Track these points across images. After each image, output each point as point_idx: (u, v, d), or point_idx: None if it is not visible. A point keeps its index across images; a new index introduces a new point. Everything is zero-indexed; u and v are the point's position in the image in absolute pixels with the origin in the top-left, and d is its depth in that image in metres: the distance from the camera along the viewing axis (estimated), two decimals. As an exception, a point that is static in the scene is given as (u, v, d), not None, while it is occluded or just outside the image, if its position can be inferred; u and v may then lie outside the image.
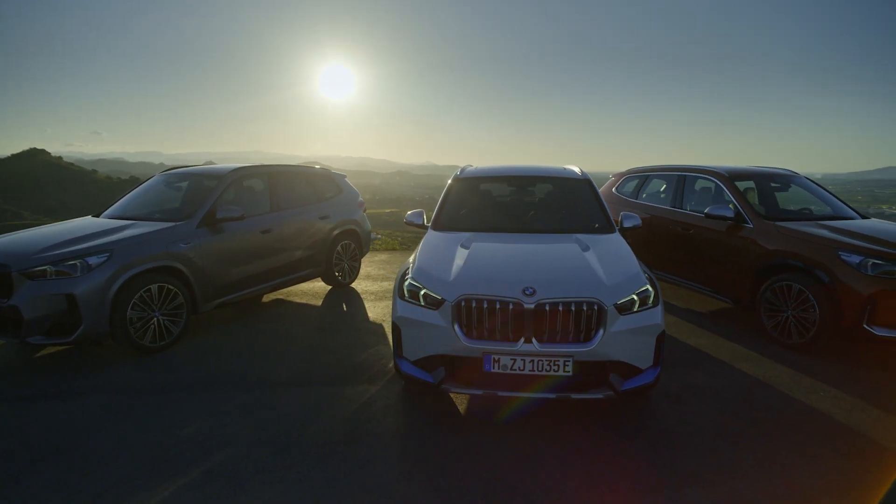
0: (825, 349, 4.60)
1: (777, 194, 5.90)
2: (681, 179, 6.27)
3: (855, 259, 4.28)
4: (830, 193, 5.92)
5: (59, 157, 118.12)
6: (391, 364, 4.34)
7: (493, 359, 3.09)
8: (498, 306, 3.09)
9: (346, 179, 7.36)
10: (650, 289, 3.30)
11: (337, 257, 6.73)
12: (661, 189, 6.84)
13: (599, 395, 3.09)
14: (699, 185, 6.17)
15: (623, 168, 8.31)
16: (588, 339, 3.07)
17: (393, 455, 3.02)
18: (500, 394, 3.14)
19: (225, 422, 3.38)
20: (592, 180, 4.92)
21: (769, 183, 5.88)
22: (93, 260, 4.20)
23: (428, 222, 4.66)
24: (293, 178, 6.35)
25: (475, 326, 3.14)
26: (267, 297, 6.41)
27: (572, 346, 3.05)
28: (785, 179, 5.94)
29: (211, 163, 7.18)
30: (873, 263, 4.21)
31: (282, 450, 3.06)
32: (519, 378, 3.11)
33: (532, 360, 3.05)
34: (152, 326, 4.49)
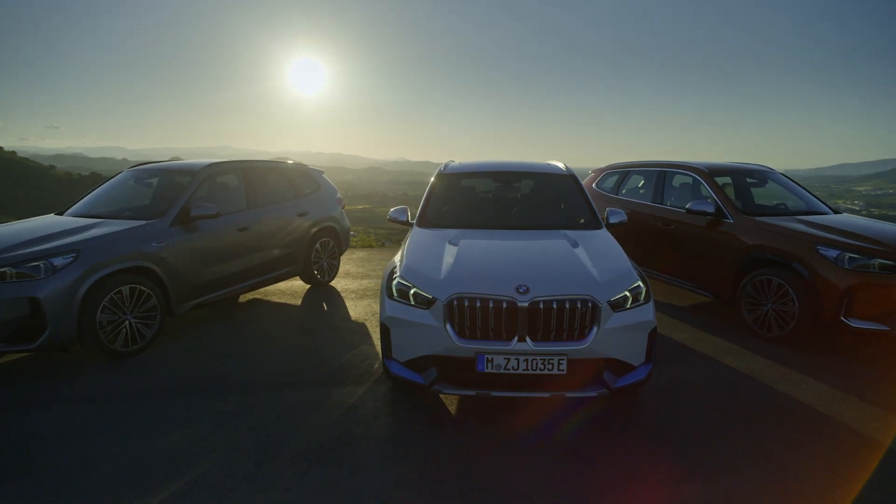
0: (804, 341, 4.69)
1: (753, 189, 6.01)
2: (661, 175, 6.33)
3: (833, 253, 4.38)
4: (803, 188, 6.06)
5: (13, 152, 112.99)
6: (377, 365, 4.24)
7: (487, 358, 3.03)
8: (491, 305, 3.02)
9: (323, 175, 7.19)
10: (642, 285, 3.29)
11: (316, 255, 6.57)
12: (640, 185, 6.90)
13: (593, 394, 3.06)
14: (679, 180, 6.24)
15: (600, 164, 8.35)
16: (582, 336, 3.03)
17: (386, 459, 2.93)
18: (494, 394, 3.08)
19: (206, 429, 3.23)
20: (577, 176, 4.90)
21: (746, 178, 5.99)
22: (58, 261, 3.96)
23: (412, 219, 4.56)
24: (270, 174, 6.16)
25: (468, 326, 3.07)
26: (244, 297, 6.20)
27: (566, 344, 3.01)
28: (761, 175, 6.06)
29: (177, 158, 6.91)
30: (850, 257, 4.31)
31: (269, 457, 2.94)
32: (513, 378, 3.06)
33: (526, 360, 3.00)
34: (124, 330, 4.27)
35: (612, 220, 4.42)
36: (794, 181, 6.14)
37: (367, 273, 7.71)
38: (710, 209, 5.31)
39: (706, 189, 5.64)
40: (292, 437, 3.15)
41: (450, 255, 3.51)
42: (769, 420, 3.41)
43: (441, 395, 3.63)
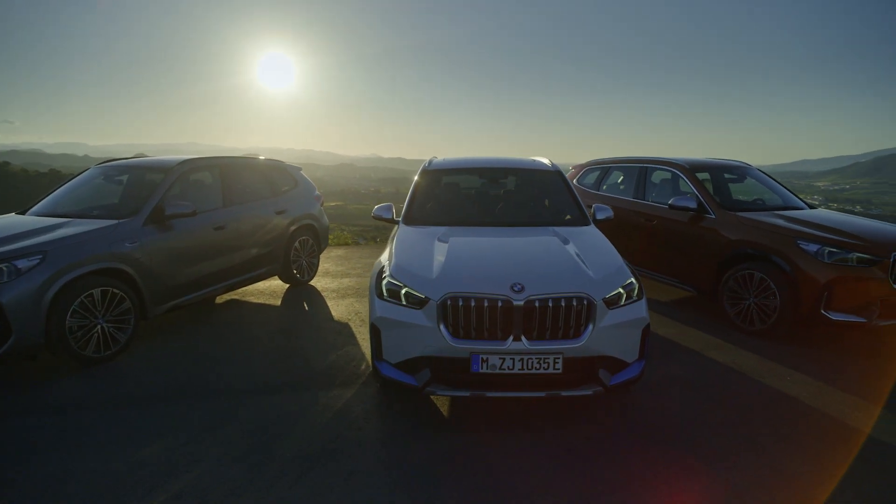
0: (785, 334, 4.79)
1: (731, 185, 6.10)
2: (642, 171, 6.38)
3: (813, 248, 4.47)
4: (779, 184, 6.19)
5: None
6: (364, 366, 4.14)
7: (482, 359, 2.97)
8: (486, 304, 2.96)
9: (301, 172, 7.01)
10: (635, 282, 3.28)
11: (295, 254, 6.40)
12: (619, 181, 6.94)
13: (589, 392, 3.03)
14: (660, 176, 6.30)
15: (574, 161, 8.39)
16: (577, 335, 3.00)
17: (380, 464, 2.84)
18: (489, 395, 3.02)
19: (188, 438, 3.08)
20: (563, 172, 4.88)
21: (724, 174, 6.07)
22: (22, 263, 3.73)
23: (397, 216, 4.47)
24: (246, 171, 5.96)
25: (462, 326, 3.00)
26: (221, 299, 6.00)
27: (562, 342, 2.98)
28: (740, 171, 6.16)
29: (142, 155, 6.64)
30: (829, 251, 4.41)
31: (257, 466, 2.82)
32: (508, 378, 3.01)
33: (521, 359, 2.96)
34: (96, 335, 4.06)
35: (599, 216, 4.41)
36: (770, 177, 6.26)
37: (346, 272, 7.57)
38: (693, 205, 5.36)
39: (687, 185, 5.70)
40: (281, 444, 3.03)
41: (440, 253, 3.44)
42: (759, 413, 3.45)
43: (432, 397, 3.56)
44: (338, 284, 6.76)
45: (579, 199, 4.55)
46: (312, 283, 6.80)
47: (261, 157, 6.46)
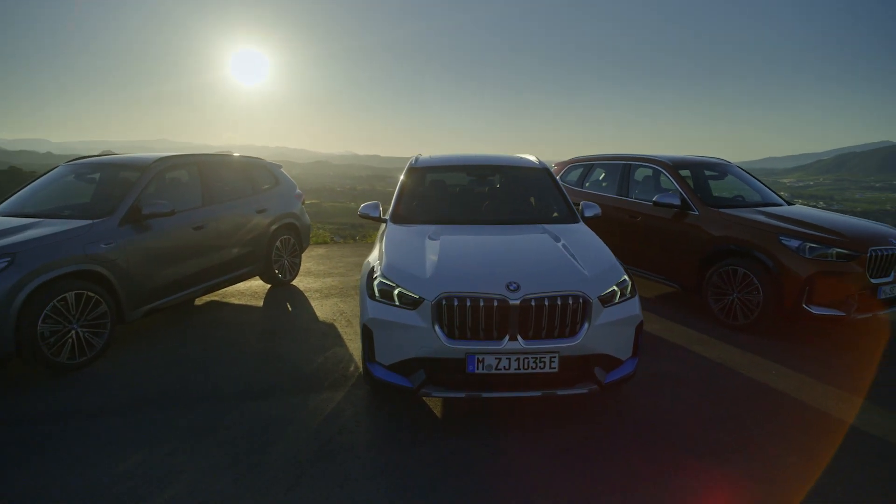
0: (768, 329, 4.88)
1: (712, 182, 6.19)
2: (625, 168, 6.42)
3: (794, 243, 4.56)
4: (758, 180, 6.30)
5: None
6: (353, 368, 4.06)
7: (477, 359, 2.93)
8: (482, 304, 2.92)
9: (281, 170, 6.86)
10: (628, 279, 3.28)
11: (276, 253, 6.26)
12: (601, 178, 6.98)
13: (584, 390, 3.02)
14: (643, 173, 6.35)
15: (548, 159, 8.40)
16: (573, 333, 2.98)
17: (376, 468, 2.78)
18: (485, 395, 2.99)
19: (173, 447, 2.96)
20: (551, 169, 4.87)
21: (706, 171, 6.15)
22: (-11, 266, 3.54)
23: (384, 215, 4.39)
24: (225, 169, 5.80)
25: (457, 326, 2.95)
26: (200, 301, 5.82)
27: (558, 341, 2.95)
28: (721, 168, 6.25)
29: (110, 152, 6.40)
30: (810, 247, 4.50)
31: (247, 474, 2.72)
32: (504, 378, 2.98)
33: (518, 359, 2.92)
34: (70, 341, 3.88)
35: (588, 213, 4.41)
36: (749, 173, 6.38)
37: (329, 271, 7.45)
38: (676, 202, 5.42)
39: (671, 182, 5.76)
40: (271, 450, 2.94)
41: (432, 252, 3.38)
42: (747, 407, 3.50)
43: (424, 399, 3.51)
44: (321, 284, 6.64)
45: (568, 196, 4.55)
46: (294, 282, 6.67)
47: (236, 154, 6.29)
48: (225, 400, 3.52)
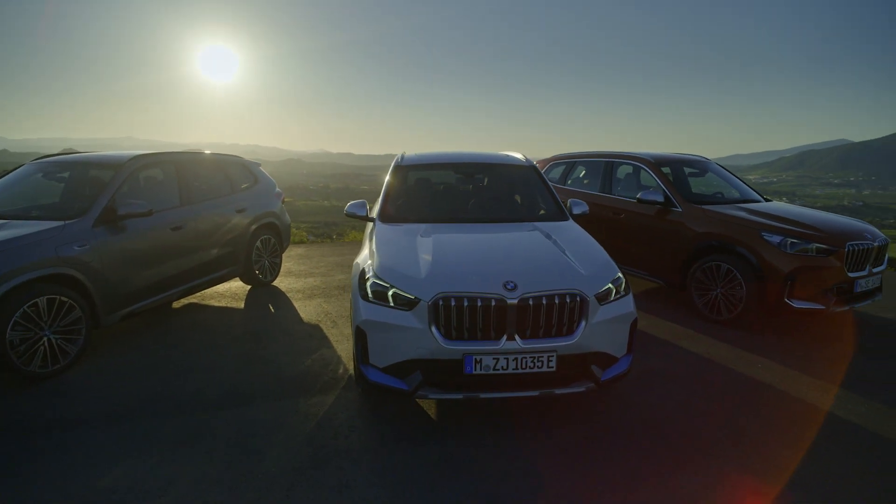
0: (750, 323, 4.97)
1: (693, 179, 6.28)
2: (608, 165, 6.46)
3: (776, 239, 4.66)
4: (737, 177, 6.43)
5: None
6: (342, 370, 3.97)
7: (475, 360, 2.88)
8: (479, 304, 2.87)
9: (260, 167, 6.69)
10: (622, 276, 3.28)
11: (256, 254, 6.10)
12: (582, 175, 7.02)
13: (582, 389, 3.01)
14: (625, 170, 6.40)
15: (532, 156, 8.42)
16: (571, 331, 2.97)
17: (372, 473, 2.71)
18: (483, 396, 2.95)
19: (160, 458, 2.83)
20: (538, 167, 4.86)
21: (687, 168, 6.24)
22: (-47, 271, 3.33)
23: (371, 213, 4.31)
24: (203, 167, 5.61)
25: (454, 326, 2.90)
26: (178, 303, 5.62)
27: (556, 340, 2.93)
28: (701, 165, 6.35)
29: (71, 150, 6.14)
30: (791, 242, 4.60)
31: (239, 484, 2.62)
32: (501, 378, 2.94)
33: (515, 359, 2.89)
34: (42, 348, 3.69)
35: (576, 210, 4.41)
36: (728, 170, 6.50)
37: (310, 271, 7.31)
38: (660, 198, 5.47)
39: (653, 179, 5.82)
40: (263, 458, 2.84)
41: (425, 251, 3.32)
42: (737, 400, 3.55)
43: (418, 401, 3.45)
44: (302, 284, 6.51)
45: (556, 194, 4.54)
46: (275, 283, 6.51)
47: (211, 152, 6.10)
48: (211, 406, 3.40)
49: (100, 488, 2.58)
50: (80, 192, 4.70)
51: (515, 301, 2.87)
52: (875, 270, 4.82)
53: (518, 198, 4.66)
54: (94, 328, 4.11)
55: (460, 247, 3.49)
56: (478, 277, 2.99)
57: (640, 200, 5.59)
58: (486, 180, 4.91)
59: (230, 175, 5.94)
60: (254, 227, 6.00)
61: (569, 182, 7.06)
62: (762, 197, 6.04)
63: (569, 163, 7.18)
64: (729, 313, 4.90)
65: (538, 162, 7.78)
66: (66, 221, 4.02)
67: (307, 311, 5.43)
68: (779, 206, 5.62)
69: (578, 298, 2.96)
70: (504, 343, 2.89)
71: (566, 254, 3.34)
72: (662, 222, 5.54)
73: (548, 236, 3.66)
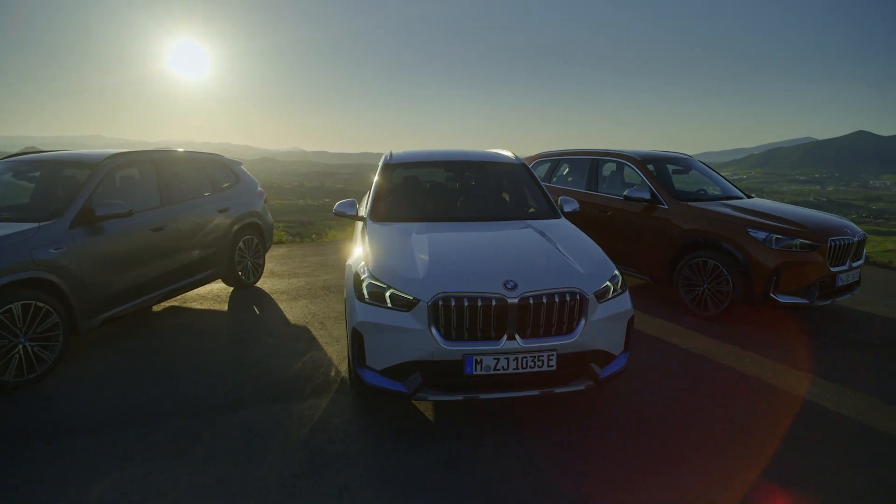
0: (736, 318, 5.06)
1: (677, 176, 6.35)
2: (593, 163, 6.50)
3: (761, 235, 4.74)
4: (718, 174, 6.53)
5: None
6: (334, 372, 3.89)
7: (475, 360, 2.85)
8: (480, 303, 2.83)
9: (241, 166, 6.53)
10: (618, 274, 3.28)
11: (239, 254, 5.95)
12: (565, 172, 7.05)
13: (581, 387, 3.01)
14: (612, 168, 6.44)
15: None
16: (570, 330, 2.95)
17: (372, 477, 2.65)
18: (483, 397, 2.91)
19: (150, 467, 2.72)
20: (528, 165, 4.84)
21: (671, 166, 6.31)
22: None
23: (360, 213, 4.24)
24: (184, 166, 5.45)
25: (454, 327, 2.86)
26: (158, 306, 5.44)
27: (555, 339, 2.92)
28: (685, 163, 6.43)
29: (33, 149, 5.88)
30: (776, 238, 4.69)
31: (235, 493, 2.53)
32: (501, 378, 2.91)
33: (516, 358, 2.87)
34: (16, 356, 3.52)
35: (567, 208, 4.41)
36: (710, 168, 6.60)
37: (293, 271, 7.18)
38: (647, 196, 5.52)
39: (639, 176, 5.87)
40: (259, 465, 2.75)
41: (421, 251, 3.27)
42: (729, 394, 3.60)
43: (414, 402, 3.40)
44: (286, 285, 6.38)
45: (547, 191, 4.53)
46: (258, 284, 6.37)
47: (180, 150, 5.89)
48: (200, 413, 3.29)
49: (91, 499, 2.47)
50: (53, 193, 4.52)
51: (516, 300, 2.85)
52: (854, 265, 4.96)
53: (509, 196, 4.64)
54: (73, 334, 3.94)
55: (456, 246, 3.45)
56: (477, 277, 2.95)
57: (626, 198, 5.63)
58: (476, 178, 4.87)
59: (211, 174, 5.78)
60: (236, 227, 5.85)
61: (554, 180, 7.08)
62: (744, 193, 6.15)
63: (554, 161, 7.20)
64: (716, 308, 4.98)
65: (524, 160, 7.79)
66: (41, 223, 3.84)
67: (293, 312, 5.32)
68: (761, 202, 5.73)
69: (578, 296, 2.95)
70: (504, 343, 2.86)
71: (563, 252, 3.33)
72: (649, 219, 5.59)
73: (542, 234, 3.65)
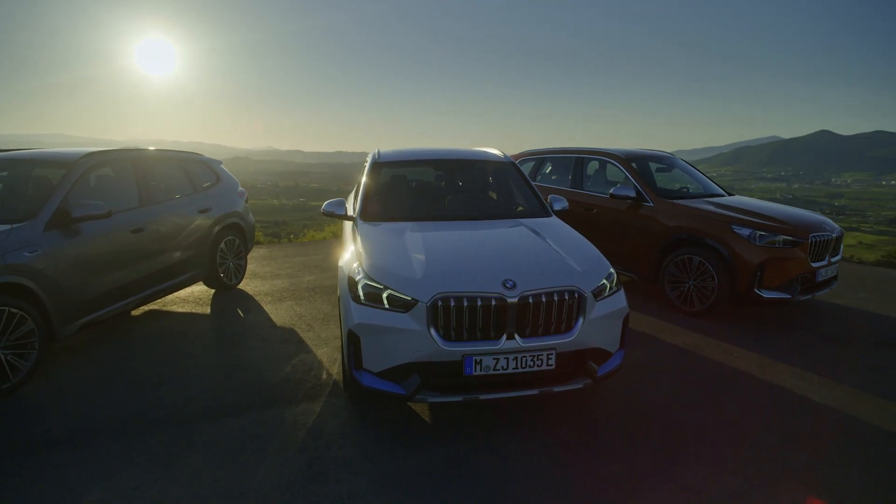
0: (721, 313, 5.14)
1: (659, 174, 6.43)
2: (578, 162, 6.53)
3: (745, 231, 4.83)
4: (700, 172, 6.63)
5: None
6: (325, 375, 3.81)
7: (475, 360, 2.82)
8: (479, 303, 2.80)
9: (222, 166, 6.36)
10: (613, 272, 3.29)
11: (221, 256, 5.80)
12: (548, 171, 7.08)
13: (580, 385, 3.01)
14: (595, 166, 6.49)
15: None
16: (569, 328, 2.95)
17: (374, 483, 2.60)
18: (483, 397, 2.89)
19: (139, 479, 2.61)
20: (516, 163, 4.83)
21: (654, 164, 6.39)
22: None
23: (350, 212, 4.16)
24: (162, 165, 5.28)
25: (454, 327, 2.82)
26: (137, 311, 5.26)
27: (554, 337, 2.91)
28: (668, 161, 6.51)
29: None
30: (760, 235, 4.79)
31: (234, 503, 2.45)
32: (501, 378, 2.89)
33: (515, 358, 2.85)
34: (-10, 365, 3.35)
35: (556, 206, 4.41)
36: (692, 166, 6.70)
37: (275, 272, 7.03)
38: (632, 194, 5.57)
39: (624, 174, 5.92)
40: (255, 474, 2.67)
41: (416, 251, 3.22)
42: (720, 389, 3.66)
43: (410, 404, 3.35)
44: (270, 287, 6.24)
45: (537, 190, 4.53)
46: (241, 286, 6.22)
47: (159, 149, 5.70)
48: (189, 420, 3.18)
49: (75, 518, 2.35)
50: (24, 193, 4.31)
51: (515, 300, 2.82)
52: (833, 260, 5.09)
53: (499, 194, 4.62)
54: (49, 341, 3.77)
55: (452, 245, 3.41)
56: (476, 277, 2.92)
57: (612, 196, 5.67)
58: (466, 177, 4.84)
59: (191, 173, 5.62)
60: (217, 227, 5.70)
61: (538, 178, 7.10)
62: (724, 191, 6.26)
63: (538, 159, 7.22)
64: (701, 304, 5.05)
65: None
66: (14, 225, 3.66)
67: (279, 314, 5.20)
68: (742, 199, 5.84)
69: (577, 295, 2.94)
70: (504, 343, 2.84)
71: (558, 250, 3.33)
72: (635, 217, 5.64)
73: (536, 232, 3.64)
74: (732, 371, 3.96)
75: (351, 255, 3.42)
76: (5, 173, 4.60)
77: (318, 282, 6.47)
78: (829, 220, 5.23)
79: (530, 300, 2.85)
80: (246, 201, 6.48)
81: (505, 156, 4.93)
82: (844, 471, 2.74)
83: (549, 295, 2.89)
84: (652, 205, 5.52)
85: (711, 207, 5.25)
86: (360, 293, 2.99)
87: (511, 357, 2.84)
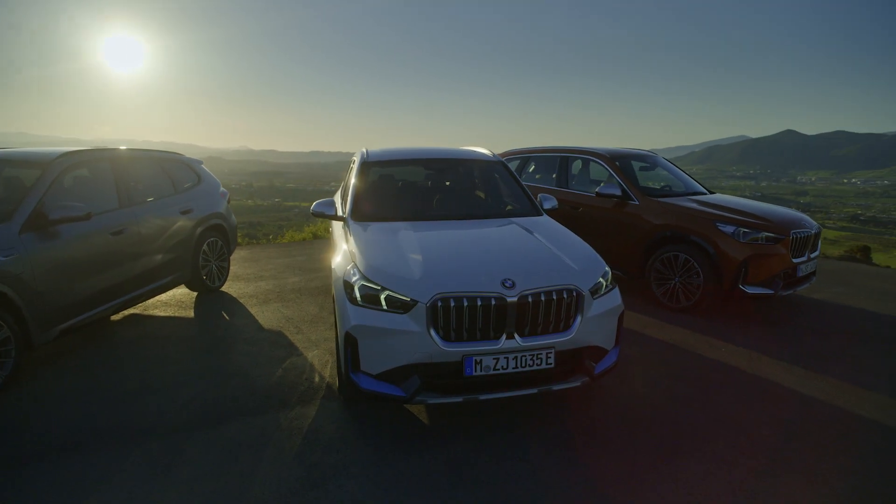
0: (706, 309, 5.23)
1: (642, 173, 6.50)
2: (563, 160, 6.57)
3: (730, 229, 4.92)
4: (681, 171, 6.74)
5: None
6: (318, 378, 3.74)
7: (475, 361, 2.80)
8: (479, 303, 2.79)
9: (203, 166, 6.21)
10: (608, 269, 3.31)
11: (203, 258, 5.66)
12: (532, 170, 7.11)
13: (578, 383, 3.02)
14: (581, 166, 6.53)
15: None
16: (567, 327, 2.95)
17: (376, 488, 2.56)
18: (482, 397, 2.87)
19: (130, 491, 2.52)
20: (506, 162, 4.83)
21: (638, 162, 6.47)
22: None
23: (340, 213, 4.10)
24: (142, 166, 5.12)
25: (453, 328, 2.80)
26: (117, 315, 5.09)
27: (553, 336, 2.91)
28: (651, 160, 6.60)
29: None
30: (744, 232, 4.88)
31: (231, 514, 2.38)
32: (500, 378, 2.88)
33: (515, 357, 2.84)
34: (-36, 375, 3.20)
35: (546, 205, 4.43)
36: (674, 164, 6.80)
37: (259, 274, 6.90)
38: (618, 192, 5.63)
39: (609, 173, 5.97)
40: (252, 483, 2.60)
41: (412, 251, 3.18)
42: (712, 383, 3.71)
43: (407, 406, 3.31)
44: (255, 289, 6.12)
45: (527, 189, 4.53)
46: (224, 288, 6.08)
47: (136, 149, 5.52)
48: (180, 429, 3.08)
49: (64, 534, 2.25)
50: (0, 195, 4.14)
51: (515, 299, 2.81)
52: (812, 256, 5.23)
53: (490, 193, 4.61)
54: (27, 349, 3.62)
55: (448, 245, 3.38)
56: (475, 276, 2.90)
57: (598, 194, 5.72)
58: (456, 176, 4.81)
59: (171, 174, 5.46)
60: (200, 229, 5.56)
61: (522, 178, 7.11)
62: (706, 189, 6.38)
63: (523, 158, 7.24)
64: (687, 301, 5.13)
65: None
66: (-13, 228, 3.50)
67: (265, 317, 5.10)
68: (724, 197, 5.95)
69: (575, 293, 2.95)
70: (504, 342, 2.82)
71: (554, 249, 3.33)
72: (620, 215, 5.70)
73: (529, 231, 3.64)
74: (721, 365, 4.03)
75: (344, 255, 3.37)
76: (-25, 174, 4.40)
77: (304, 283, 6.37)
78: (808, 217, 5.37)
79: (529, 299, 2.84)
80: (228, 202, 6.35)
81: (494, 155, 4.93)
82: (835, 459, 2.81)
83: (548, 294, 2.88)
84: (637, 203, 5.59)
85: (695, 205, 5.33)
86: (357, 295, 2.94)
87: (511, 356, 2.83)
